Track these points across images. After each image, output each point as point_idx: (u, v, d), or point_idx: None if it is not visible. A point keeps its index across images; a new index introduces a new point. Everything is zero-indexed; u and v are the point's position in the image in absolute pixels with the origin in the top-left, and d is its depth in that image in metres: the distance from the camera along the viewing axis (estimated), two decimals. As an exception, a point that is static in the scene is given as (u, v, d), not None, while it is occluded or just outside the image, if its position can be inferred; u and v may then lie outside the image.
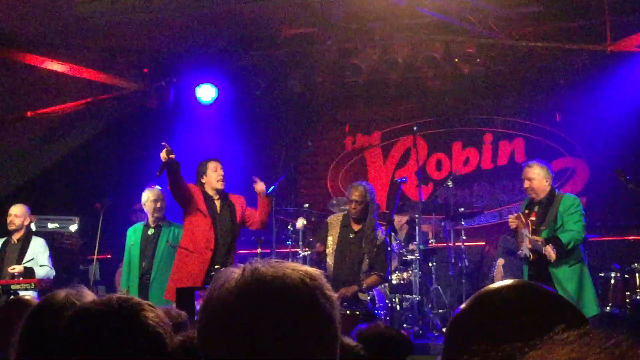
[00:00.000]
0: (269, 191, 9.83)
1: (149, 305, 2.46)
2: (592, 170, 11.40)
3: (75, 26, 10.12)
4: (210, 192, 9.35)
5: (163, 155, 8.80)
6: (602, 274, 9.93)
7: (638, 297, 9.82)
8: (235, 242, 9.56)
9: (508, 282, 1.69)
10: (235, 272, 1.85)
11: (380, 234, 9.62)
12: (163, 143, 8.80)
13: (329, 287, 1.90)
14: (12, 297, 7.97)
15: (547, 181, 8.83)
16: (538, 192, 8.75)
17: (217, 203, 9.38)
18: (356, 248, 9.27)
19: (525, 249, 8.83)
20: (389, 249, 9.66)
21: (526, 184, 8.90)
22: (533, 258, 8.73)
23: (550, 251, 8.47)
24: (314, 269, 1.94)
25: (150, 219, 9.99)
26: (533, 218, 8.89)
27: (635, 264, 10.00)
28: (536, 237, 8.62)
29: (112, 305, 2.40)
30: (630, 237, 11.33)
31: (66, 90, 11.85)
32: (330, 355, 1.72)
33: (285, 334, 1.60)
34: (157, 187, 9.95)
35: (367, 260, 9.22)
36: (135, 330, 2.39)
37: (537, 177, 8.85)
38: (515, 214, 9.12)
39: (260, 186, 9.33)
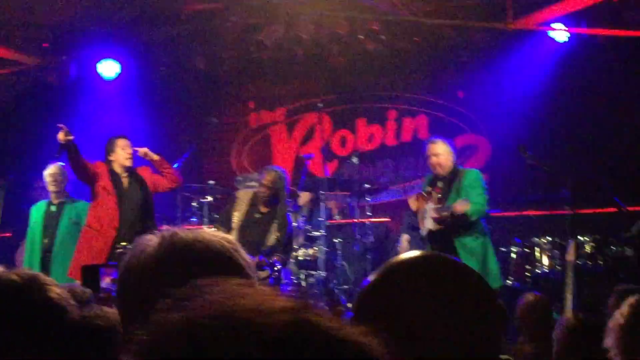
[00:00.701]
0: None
1: (53, 282, 2.47)
2: (494, 147, 11.62)
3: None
4: (118, 170, 9.33)
5: (60, 136, 8.78)
6: (504, 249, 10.15)
7: (537, 271, 10.06)
8: (151, 216, 9.60)
9: (417, 252, 1.74)
10: (153, 239, 1.88)
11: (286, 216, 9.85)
12: (59, 125, 8.75)
13: (243, 250, 1.95)
14: None
15: (451, 157, 8.94)
16: (444, 167, 8.89)
17: (125, 180, 9.39)
18: (258, 229, 9.26)
19: (427, 227, 9.06)
20: (294, 225, 9.76)
21: (432, 159, 9.06)
22: (439, 228, 8.89)
23: (461, 205, 8.69)
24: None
25: (52, 196, 9.97)
26: (438, 193, 8.97)
27: (535, 239, 10.21)
28: (440, 205, 8.87)
29: (15, 281, 2.39)
30: (530, 212, 11.57)
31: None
32: None
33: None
34: (59, 163, 9.69)
35: (270, 242, 9.16)
36: (40, 307, 2.39)
37: (443, 152, 8.96)
38: (415, 195, 9.22)
39: (142, 151, 9.50)
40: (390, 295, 1.51)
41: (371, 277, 1.66)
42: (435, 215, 8.65)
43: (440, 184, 9.10)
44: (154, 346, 0.79)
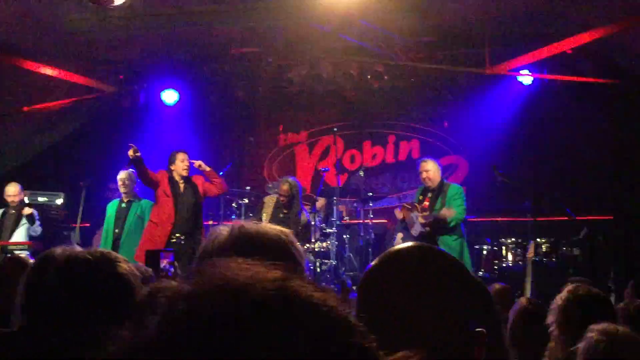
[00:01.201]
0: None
1: (124, 259, 2.47)
2: (471, 165, 11.89)
3: (65, 39, 10.14)
4: (177, 178, 9.59)
5: (130, 153, 9.08)
6: (477, 247, 10.41)
7: (504, 265, 10.27)
8: (200, 215, 9.77)
9: (412, 243, 1.65)
10: (224, 229, 1.90)
11: (305, 215, 10.25)
12: (130, 144, 9.12)
13: (297, 242, 1.96)
14: (8, 255, 7.79)
15: (438, 173, 9.14)
16: (433, 181, 9.09)
17: (182, 186, 9.63)
18: (283, 226, 9.43)
19: (417, 229, 9.16)
20: (312, 223, 9.93)
21: (424, 175, 9.35)
22: (428, 231, 9.02)
23: (445, 212, 8.95)
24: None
25: (123, 196, 10.24)
26: (427, 202, 9.29)
27: (502, 239, 10.36)
28: (426, 214, 9.08)
29: (96, 254, 2.40)
30: (499, 219, 11.74)
31: (56, 91, 11.82)
32: None
33: None
34: (129, 170, 10.02)
35: None
36: (111, 275, 2.36)
37: (432, 169, 9.24)
38: (403, 206, 9.43)
39: (197, 163, 9.65)
40: (388, 277, 1.46)
41: (373, 263, 1.58)
42: (422, 220, 8.76)
43: (429, 195, 9.34)
44: (162, 306, 0.75)
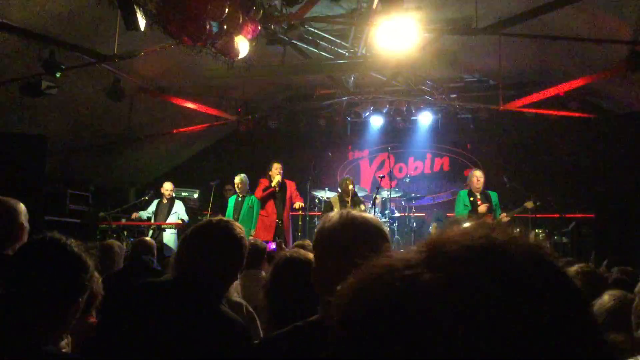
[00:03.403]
0: (307, 181, 10.67)
1: (239, 226, 2.45)
2: (486, 176, 11.68)
3: (203, 82, 10.46)
4: (274, 182, 9.85)
5: (274, 185, 9.54)
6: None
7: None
8: (289, 207, 10.05)
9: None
10: (334, 215, 1.84)
11: (364, 202, 10.49)
12: (274, 186, 9.60)
13: (384, 224, 1.94)
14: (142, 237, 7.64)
15: (484, 181, 9.20)
16: (481, 187, 9.12)
17: (277, 187, 9.92)
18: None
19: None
20: (369, 212, 10.07)
21: (475, 181, 9.08)
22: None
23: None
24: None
25: (238, 192, 10.50)
26: (479, 202, 8.97)
27: (516, 229, 10.10)
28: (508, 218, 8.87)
29: (217, 220, 2.41)
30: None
31: (195, 118, 12.20)
32: None
33: (371, 249, 1.35)
34: (243, 174, 10.41)
35: None
36: (228, 234, 2.34)
37: (482, 178, 9.15)
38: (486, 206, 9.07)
39: (297, 205, 9.83)
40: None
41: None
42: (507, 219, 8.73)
43: (479, 196, 9.02)
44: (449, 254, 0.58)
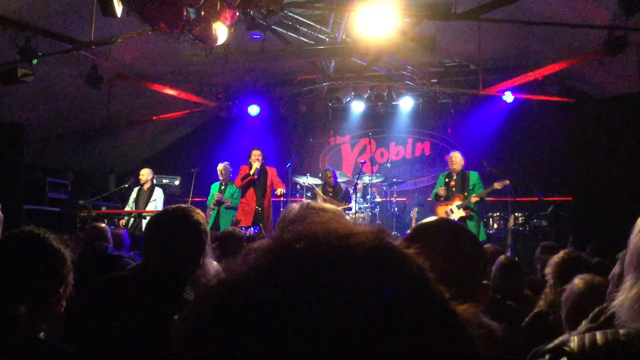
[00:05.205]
0: (287, 166, 10.51)
1: (198, 212, 2.43)
2: (467, 160, 11.70)
3: (181, 68, 10.35)
4: (253, 168, 9.81)
5: (252, 172, 9.48)
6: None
7: (490, 232, 10.26)
8: (270, 193, 10.03)
9: (435, 217, 1.59)
10: (295, 205, 1.92)
11: (345, 188, 10.58)
12: (252, 174, 9.49)
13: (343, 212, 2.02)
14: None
15: (462, 163, 9.23)
16: (459, 168, 9.17)
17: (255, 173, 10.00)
18: (330, 199, 9.80)
19: (458, 214, 8.89)
20: (352, 197, 10.14)
21: (453, 162, 9.22)
22: (466, 215, 8.95)
23: (499, 184, 8.97)
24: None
25: (221, 180, 10.52)
26: (453, 183, 9.13)
27: (489, 213, 10.24)
28: (463, 201, 8.95)
29: (175, 207, 2.41)
30: (488, 198, 11.65)
31: (175, 105, 12.07)
32: None
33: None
34: (226, 162, 10.18)
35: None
36: (185, 220, 2.33)
37: (459, 159, 9.24)
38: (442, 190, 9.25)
39: (279, 191, 9.75)
40: (419, 242, 1.18)
41: (407, 232, 1.52)
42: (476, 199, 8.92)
43: (454, 177, 9.16)
44: (278, 245, 0.59)
